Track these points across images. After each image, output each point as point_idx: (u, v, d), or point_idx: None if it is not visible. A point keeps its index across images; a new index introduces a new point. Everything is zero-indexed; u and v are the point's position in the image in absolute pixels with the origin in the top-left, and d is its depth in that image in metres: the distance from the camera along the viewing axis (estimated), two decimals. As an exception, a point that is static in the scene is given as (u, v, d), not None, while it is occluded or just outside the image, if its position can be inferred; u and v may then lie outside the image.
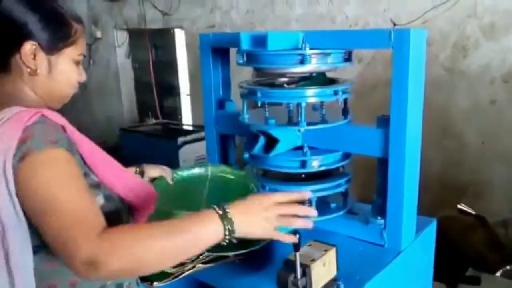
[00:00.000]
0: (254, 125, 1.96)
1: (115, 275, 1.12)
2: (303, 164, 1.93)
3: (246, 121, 1.98)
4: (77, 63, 1.30)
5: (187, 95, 6.06)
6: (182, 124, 5.65)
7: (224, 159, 2.39)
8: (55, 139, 1.11)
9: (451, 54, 3.62)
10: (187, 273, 1.50)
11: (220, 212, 1.14)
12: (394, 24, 3.79)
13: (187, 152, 4.57)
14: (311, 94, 1.84)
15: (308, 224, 1.26)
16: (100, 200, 1.23)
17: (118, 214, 1.27)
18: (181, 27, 5.72)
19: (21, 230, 1.10)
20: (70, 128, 1.19)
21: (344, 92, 1.89)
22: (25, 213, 1.10)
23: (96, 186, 1.24)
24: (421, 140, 1.87)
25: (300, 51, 1.81)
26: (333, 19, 4.23)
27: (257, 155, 1.98)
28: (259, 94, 1.88)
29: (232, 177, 1.94)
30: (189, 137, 4.64)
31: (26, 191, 1.08)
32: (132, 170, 1.73)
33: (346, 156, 2.01)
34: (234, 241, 1.16)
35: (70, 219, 1.04)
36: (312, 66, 1.84)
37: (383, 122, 1.80)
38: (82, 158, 1.22)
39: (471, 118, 3.61)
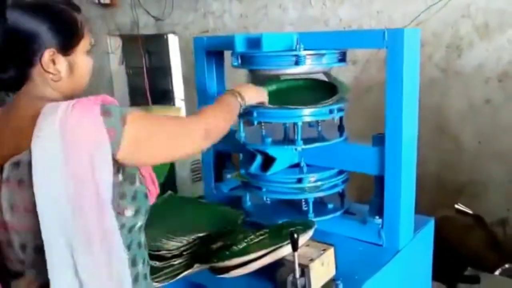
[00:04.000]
0: (251, 144, 1.96)
1: (213, 137, 1.48)
2: (300, 181, 1.95)
3: (243, 140, 1.99)
4: (88, 52, 1.34)
5: (181, 100, 6.06)
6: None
7: (220, 166, 2.39)
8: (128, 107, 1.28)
9: (445, 54, 3.63)
10: (183, 274, 1.50)
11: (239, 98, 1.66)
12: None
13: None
14: (307, 114, 1.85)
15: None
16: (137, 182, 1.29)
17: (147, 195, 1.34)
18: (174, 33, 5.71)
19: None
20: None
21: (339, 110, 1.90)
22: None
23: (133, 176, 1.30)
24: (416, 144, 1.88)
25: (294, 52, 1.82)
26: (327, 22, 4.23)
27: (254, 174, 1.99)
28: (255, 114, 1.89)
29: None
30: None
31: (142, 141, 1.23)
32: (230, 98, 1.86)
33: (342, 172, 2.02)
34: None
35: (184, 129, 1.39)
36: (307, 66, 1.84)
37: (379, 140, 1.82)
38: None
39: (467, 118, 3.61)
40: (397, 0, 3.79)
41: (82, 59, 1.30)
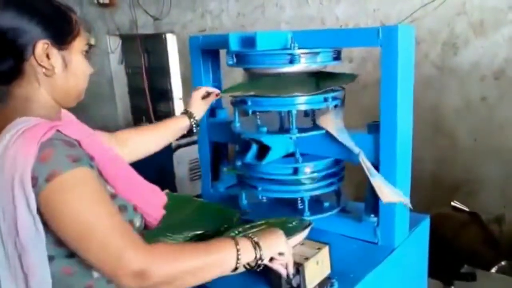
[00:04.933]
0: (246, 133, 1.96)
1: (158, 286, 1.14)
2: (295, 171, 1.94)
3: (238, 129, 1.99)
4: (84, 54, 1.31)
5: (180, 99, 6.06)
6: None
7: (217, 164, 2.40)
8: (76, 156, 1.12)
9: (441, 52, 3.63)
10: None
11: (249, 241, 1.33)
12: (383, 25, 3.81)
13: (181, 156, 4.57)
14: (301, 102, 1.85)
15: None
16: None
17: (131, 222, 1.28)
18: (172, 32, 5.72)
19: (38, 242, 1.11)
20: (86, 141, 1.19)
21: (334, 99, 1.90)
22: (48, 226, 1.12)
23: (112, 197, 1.24)
24: (412, 139, 1.87)
25: (289, 51, 1.82)
26: (323, 20, 4.24)
27: (249, 163, 1.98)
28: (249, 103, 1.88)
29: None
30: (182, 141, 4.63)
31: (56, 214, 1.10)
32: (181, 120, 1.92)
33: (338, 161, 2.02)
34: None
35: (113, 237, 1.10)
36: (302, 65, 1.84)
37: (374, 128, 1.81)
38: (98, 170, 1.23)
39: (463, 116, 3.61)
40: (393, -2, 3.80)
41: (78, 59, 1.28)
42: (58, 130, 1.13)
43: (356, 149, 1.81)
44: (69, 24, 1.26)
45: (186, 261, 1.18)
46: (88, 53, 1.33)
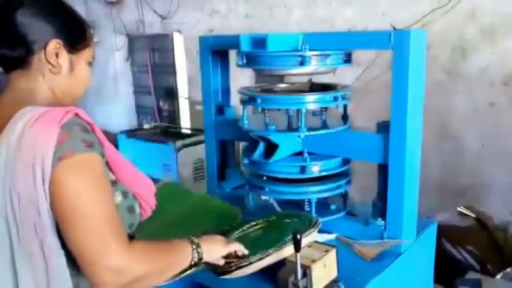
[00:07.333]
0: (254, 130, 1.96)
1: (129, 284, 1.17)
2: (303, 169, 1.93)
3: (246, 127, 1.98)
4: (89, 65, 1.36)
5: (186, 98, 6.06)
6: (180, 128, 5.64)
7: (223, 164, 2.40)
8: (90, 141, 1.15)
9: (450, 57, 3.62)
10: (186, 273, 1.50)
11: (194, 245, 1.40)
12: (394, 28, 3.79)
13: (185, 156, 4.57)
14: (311, 100, 1.85)
15: None
16: (118, 197, 1.27)
17: (132, 209, 1.32)
18: (179, 31, 5.72)
19: (54, 227, 1.13)
20: (97, 128, 1.22)
21: (343, 98, 1.90)
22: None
23: (114, 183, 1.27)
24: (421, 142, 1.87)
25: (300, 53, 1.81)
26: (332, 22, 4.23)
27: (256, 161, 1.98)
28: (259, 100, 1.88)
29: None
30: (187, 141, 4.65)
31: (59, 191, 1.11)
32: None
33: (346, 161, 2.01)
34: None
35: (103, 229, 1.13)
36: (312, 67, 1.84)
37: (383, 128, 1.81)
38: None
39: (471, 121, 3.60)
40: (402, 2, 3.79)
41: (83, 66, 1.33)
42: (75, 114, 1.16)
43: None
44: (83, 34, 1.33)
45: (159, 262, 1.27)
46: (92, 66, 1.38)
